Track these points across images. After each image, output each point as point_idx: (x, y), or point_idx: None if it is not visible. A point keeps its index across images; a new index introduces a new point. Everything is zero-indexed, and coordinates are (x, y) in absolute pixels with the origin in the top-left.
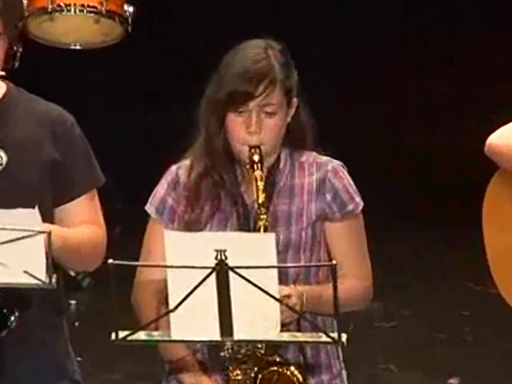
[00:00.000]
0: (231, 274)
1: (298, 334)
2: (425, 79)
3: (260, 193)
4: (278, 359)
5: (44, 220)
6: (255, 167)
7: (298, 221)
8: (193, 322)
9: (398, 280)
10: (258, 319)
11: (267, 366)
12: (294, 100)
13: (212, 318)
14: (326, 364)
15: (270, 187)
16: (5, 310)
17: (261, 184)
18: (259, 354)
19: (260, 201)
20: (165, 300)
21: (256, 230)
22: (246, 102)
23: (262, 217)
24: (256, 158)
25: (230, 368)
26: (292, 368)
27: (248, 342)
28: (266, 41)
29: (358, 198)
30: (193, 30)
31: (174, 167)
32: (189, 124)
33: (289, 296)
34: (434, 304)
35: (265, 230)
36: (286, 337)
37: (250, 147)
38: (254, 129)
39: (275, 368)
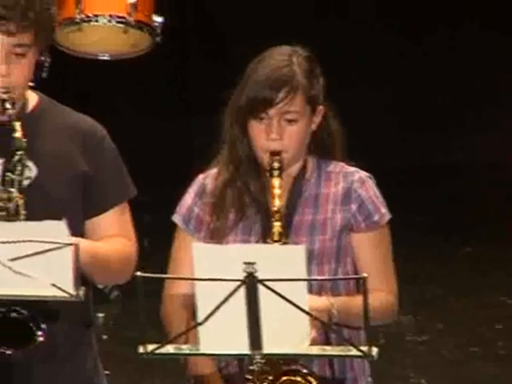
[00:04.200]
0: (260, 286)
1: (328, 348)
2: None
3: (276, 200)
4: (295, 368)
5: (74, 233)
6: (274, 174)
7: (322, 231)
8: (222, 336)
9: (430, 294)
10: (287, 332)
11: (283, 375)
12: (320, 108)
13: (241, 332)
14: (351, 378)
15: (295, 196)
16: (31, 324)
17: (277, 191)
18: (278, 364)
19: (275, 208)
20: (194, 314)
21: (270, 237)
22: (266, 109)
23: (275, 224)
24: (276, 164)
25: (248, 377)
26: (310, 378)
27: (277, 355)
28: (293, 47)
29: (384, 210)
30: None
31: (200, 176)
32: (217, 133)
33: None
34: (467, 318)
35: (279, 238)
36: (315, 350)
37: (271, 154)
38: (274, 136)
39: (292, 378)
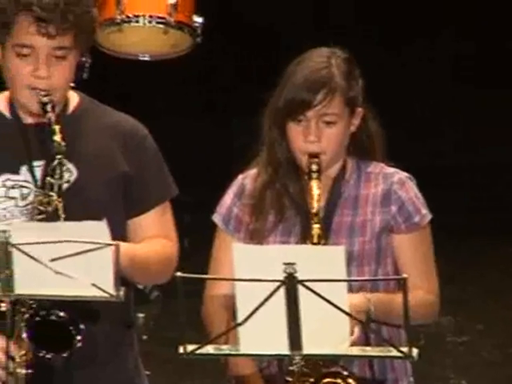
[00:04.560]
0: (300, 287)
1: (368, 349)
2: None
3: (314, 202)
4: (335, 369)
5: (115, 233)
6: (312, 176)
7: (362, 233)
8: (261, 336)
9: (470, 294)
10: (327, 333)
11: (324, 377)
12: (359, 110)
13: (281, 332)
14: (392, 379)
15: (334, 197)
16: (71, 328)
17: (316, 193)
18: (318, 365)
19: (314, 210)
20: (234, 314)
21: (309, 239)
22: (304, 111)
23: (314, 226)
24: (314, 167)
25: (289, 379)
26: (350, 380)
27: (317, 356)
28: (332, 49)
29: (424, 211)
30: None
31: (240, 177)
32: (256, 133)
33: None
34: (507, 319)
35: (318, 240)
36: (355, 351)
37: (309, 156)
38: (312, 138)
39: (332, 380)
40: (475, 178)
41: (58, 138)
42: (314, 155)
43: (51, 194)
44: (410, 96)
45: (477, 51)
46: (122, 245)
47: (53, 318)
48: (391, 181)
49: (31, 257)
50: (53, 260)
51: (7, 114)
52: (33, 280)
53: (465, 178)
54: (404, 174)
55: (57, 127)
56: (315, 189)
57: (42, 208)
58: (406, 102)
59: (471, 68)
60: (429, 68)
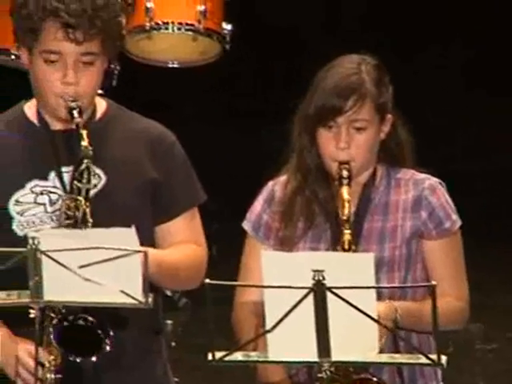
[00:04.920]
0: (329, 294)
1: (396, 356)
2: None
3: (345, 209)
4: (365, 376)
5: (144, 239)
6: (343, 182)
7: (392, 238)
8: (290, 343)
9: (499, 302)
10: (356, 340)
11: (354, 383)
12: (389, 116)
13: (309, 339)
14: None
15: (364, 203)
16: (99, 332)
17: (346, 200)
18: (348, 372)
19: (344, 217)
20: (263, 321)
21: (340, 245)
22: (334, 117)
23: (345, 232)
24: (344, 173)
25: None
26: None
27: (346, 363)
28: (362, 56)
29: (455, 216)
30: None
31: (270, 183)
32: (286, 140)
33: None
34: None
35: (349, 246)
36: (384, 358)
37: (340, 163)
38: (343, 144)
39: None
40: (487, 184)
41: (85, 142)
42: (344, 162)
43: (79, 198)
44: (422, 103)
45: (488, 58)
46: (151, 251)
47: (81, 322)
48: (422, 187)
49: (60, 263)
50: (81, 267)
51: (35, 121)
52: (61, 286)
53: (477, 184)
54: (435, 180)
55: (84, 132)
56: (346, 195)
57: (69, 213)
58: (418, 108)
59: (483, 75)
60: (441, 75)
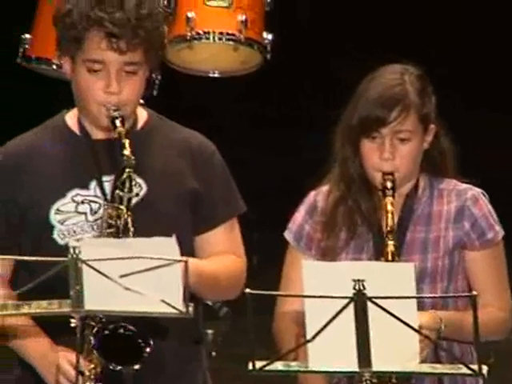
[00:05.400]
0: (369, 304)
1: (438, 366)
2: None
3: (389, 220)
4: None
5: (184, 249)
6: (387, 193)
7: (435, 249)
8: (331, 353)
9: None
10: (397, 350)
11: None
12: (432, 126)
13: (350, 349)
14: None
15: (407, 214)
16: (139, 340)
17: (390, 211)
18: (389, 382)
19: (388, 228)
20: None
21: (383, 256)
22: (378, 128)
23: (389, 243)
24: (389, 184)
25: None
26: None
27: (386, 373)
28: (404, 66)
29: (498, 227)
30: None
31: (312, 193)
32: (327, 150)
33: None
34: None
35: (392, 257)
36: (425, 368)
37: (383, 173)
38: (387, 155)
39: None
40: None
41: (127, 151)
42: (388, 173)
43: (120, 207)
44: None
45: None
46: (191, 261)
47: (121, 331)
48: (465, 197)
49: (101, 273)
50: (122, 276)
51: (76, 130)
52: (102, 296)
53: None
54: (477, 190)
55: (126, 141)
56: (389, 206)
57: (111, 221)
58: None
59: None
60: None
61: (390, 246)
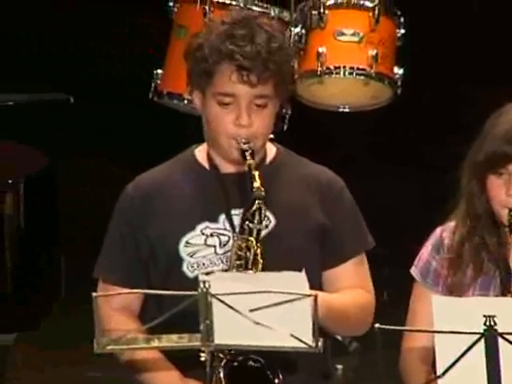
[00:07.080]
0: (500, 340)
1: None
2: None
3: None
4: None
5: (312, 283)
6: None
7: None
8: None
9: None
10: None
11: None
12: None
13: None
14: None
15: None
16: (268, 372)
17: None
18: None
19: None
20: (432, 367)
21: (511, 292)
22: (505, 165)
23: None
24: None
25: None
26: None
27: None
28: None
29: None
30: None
31: (438, 230)
32: (452, 186)
33: None
34: None
35: None
36: None
37: (510, 210)
38: None
39: None
40: None
41: (257, 183)
42: None
43: (250, 238)
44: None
45: None
46: (321, 295)
47: (251, 363)
48: None
49: (231, 307)
50: (252, 310)
51: (206, 164)
52: (232, 330)
53: None
54: None
55: (256, 173)
56: None
57: (240, 253)
58: None
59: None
60: None
61: None
